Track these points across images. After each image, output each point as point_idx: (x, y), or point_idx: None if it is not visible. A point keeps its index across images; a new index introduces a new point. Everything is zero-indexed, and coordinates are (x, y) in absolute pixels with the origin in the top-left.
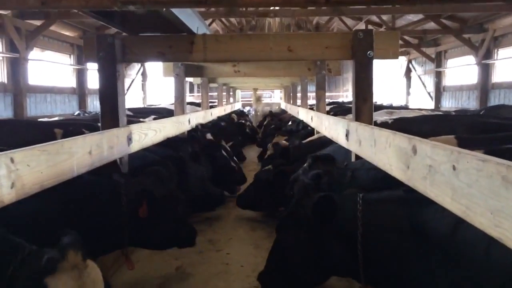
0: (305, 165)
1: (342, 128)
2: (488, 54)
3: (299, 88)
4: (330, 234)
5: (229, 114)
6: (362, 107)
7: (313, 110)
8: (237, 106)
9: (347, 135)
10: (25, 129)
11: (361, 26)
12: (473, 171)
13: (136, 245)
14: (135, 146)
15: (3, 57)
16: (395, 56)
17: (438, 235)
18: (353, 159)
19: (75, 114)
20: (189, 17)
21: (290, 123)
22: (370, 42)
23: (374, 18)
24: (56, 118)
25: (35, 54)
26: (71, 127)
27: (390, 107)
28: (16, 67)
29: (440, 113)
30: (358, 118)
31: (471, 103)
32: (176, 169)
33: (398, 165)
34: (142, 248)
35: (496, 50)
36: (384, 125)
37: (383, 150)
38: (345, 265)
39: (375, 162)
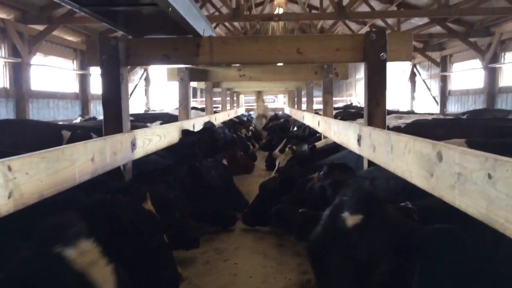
0: (321, 173)
1: (353, 133)
2: (495, 58)
3: (303, 93)
4: None
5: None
6: (375, 111)
7: (319, 114)
8: (241, 111)
9: (359, 140)
10: (33, 130)
11: (366, 30)
12: None
13: None
14: (139, 152)
15: (5, 62)
16: (408, 58)
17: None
18: (365, 165)
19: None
20: (195, 19)
21: (295, 128)
22: (383, 43)
23: (379, 22)
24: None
25: (38, 59)
26: (80, 130)
27: (398, 111)
28: (18, 72)
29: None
30: (370, 123)
31: (477, 108)
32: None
33: (420, 173)
34: None
35: (503, 54)
36: (396, 129)
37: (401, 157)
38: None
39: (392, 169)
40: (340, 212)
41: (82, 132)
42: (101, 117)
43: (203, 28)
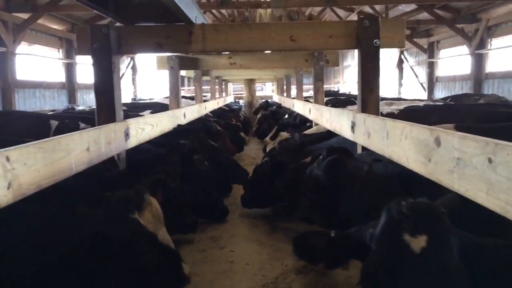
0: (320, 157)
1: (346, 120)
2: (482, 44)
3: (292, 80)
4: None
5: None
6: (368, 98)
7: (309, 102)
8: (230, 99)
9: (352, 127)
10: (22, 120)
11: (353, 17)
12: None
13: None
14: (133, 142)
15: None
16: (401, 44)
17: None
18: (359, 151)
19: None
20: (188, 6)
21: (286, 116)
22: (376, 30)
23: (367, 8)
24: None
25: (22, 48)
26: (67, 119)
27: (387, 98)
28: (3, 61)
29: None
30: (364, 110)
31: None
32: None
33: (417, 158)
34: None
35: (489, 40)
36: (390, 116)
37: (397, 143)
38: None
39: (387, 154)
40: (398, 235)
41: (70, 121)
42: (81, 107)
43: (195, 15)
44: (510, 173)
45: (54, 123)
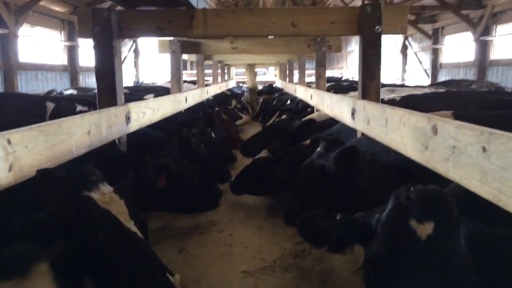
0: (319, 149)
1: (347, 106)
2: (486, 31)
3: (295, 65)
4: None
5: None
6: (369, 85)
7: (311, 87)
8: (232, 84)
9: (353, 114)
10: (18, 102)
11: (358, 2)
12: (508, 153)
13: (163, 210)
14: (134, 126)
15: None
16: (403, 31)
17: None
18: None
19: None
20: None
21: (289, 101)
22: (378, 16)
23: None
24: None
25: (24, 30)
26: (64, 101)
27: (391, 85)
28: (5, 43)
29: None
30: (364, 96)
31: None
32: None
33: (415, 146)
34: (169, 212)
35: (494, 27)
36: (391, 103)
37: (396, 130)
38: None
39: (386, 142)
40: (405, 220)
41: (67, 103)
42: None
43: (197, 0)
44: (503, 162)
45: (50, 105)
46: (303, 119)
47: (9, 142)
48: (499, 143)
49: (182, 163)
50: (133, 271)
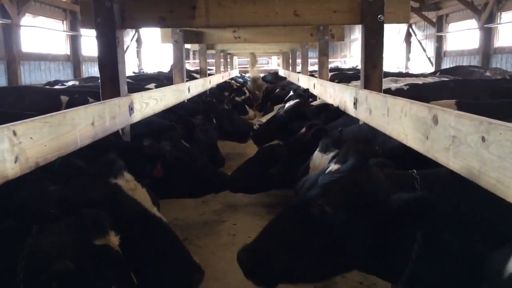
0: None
1: (349, 96)
2: (491, 18)
3: (298, 54)
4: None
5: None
6: (372, 75)
7: (314, 76)
8: (234, 73)
9: (355, 104)
10: (33, 96)
11: None
12: (507, 143)
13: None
14: (137, 116)
15: None
16: (405, 20)
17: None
18: None
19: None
20: None
21: (291, 92)
22: (380, 5)
23: None
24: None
25: (27, 20)
26: (77, 94)
27: (395, 74)
28: (8, 33)
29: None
30: (367, 86)
31: None
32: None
33: (416, 135)
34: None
35: (499, 14)
36: (399, 92)
37: (397, 120)
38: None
39: (388, 131)
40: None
41: (79, 96)
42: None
43: None
44: (501, 152)
45: (64, 99)
46: (315, 103)
47: (14, 133)
48: (498, 133)
49: (181, 147)
50: (162, 256)
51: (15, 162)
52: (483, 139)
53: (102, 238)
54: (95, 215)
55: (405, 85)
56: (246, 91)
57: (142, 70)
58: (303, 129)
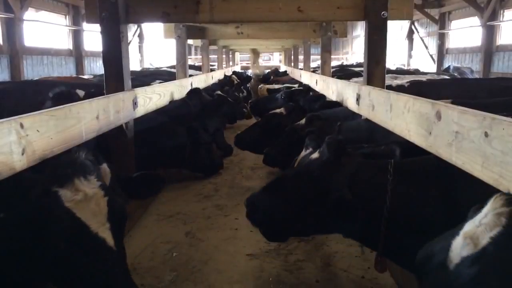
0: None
1: (352, 92)
2: (494, 16)
3: (300, 50)
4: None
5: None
6: (375, 71)
7: (316, 73)
8: (236, 69)
9: (357, 100)
10: (50, 90)
11: None
12: (509, 138)
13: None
14: (140, 111)
15: None
16: (409, 16)
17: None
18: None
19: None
20: None
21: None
22: (384, 2)
23: None
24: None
25: (30, 14)
26: (93, 89)
27: (396, 71)
28: (11, 28)
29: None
30: (370, 82)
31: (474, 66)
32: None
33: (419, 131)
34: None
35: (502, 11)
36: (400, 88)
37: (400, 115)
38: (362, 232)
39: (391, 127)
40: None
41: (96, 90)
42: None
43: None
44: (504, 147)
45: (81, 93)
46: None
47: (21, 126)
48: (501, 128)
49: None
50: (93, 279)
51: (22, 154)
52: (486, 134)
53: None
54: None
55: (407, 82)
56: (245, 90)
57: (151, 65)
58: (303, 121)
